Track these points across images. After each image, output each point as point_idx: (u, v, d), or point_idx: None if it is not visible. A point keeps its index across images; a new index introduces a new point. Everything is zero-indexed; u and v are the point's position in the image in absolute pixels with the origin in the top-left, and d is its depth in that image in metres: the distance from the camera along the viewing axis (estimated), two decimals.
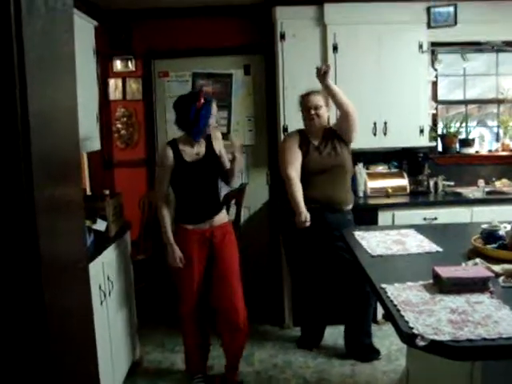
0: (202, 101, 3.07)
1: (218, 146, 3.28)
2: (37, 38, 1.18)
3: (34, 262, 1.15)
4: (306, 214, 3.45)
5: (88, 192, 4.26)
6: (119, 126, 4.91)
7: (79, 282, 1.48)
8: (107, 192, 3.44)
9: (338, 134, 3.64)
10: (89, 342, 1.53)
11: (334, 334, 4.04)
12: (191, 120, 3.08)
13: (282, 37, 4.27)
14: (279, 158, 3.75)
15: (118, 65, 4.85)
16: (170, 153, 3.16)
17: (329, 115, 3.75)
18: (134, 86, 4.87)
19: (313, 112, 3.59)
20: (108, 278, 3.05)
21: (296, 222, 3.48)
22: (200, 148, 3.22)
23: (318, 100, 3.61)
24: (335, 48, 4.25)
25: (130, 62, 4.84)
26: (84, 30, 3.25)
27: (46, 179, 1.22)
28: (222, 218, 3.32)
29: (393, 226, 3.58)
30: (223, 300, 3.29)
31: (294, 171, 3.56)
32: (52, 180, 1.28)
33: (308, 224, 3.46)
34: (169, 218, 3.25)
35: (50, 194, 1.26)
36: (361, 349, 3.73)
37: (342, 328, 3.92)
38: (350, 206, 3.71)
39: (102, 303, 2.91)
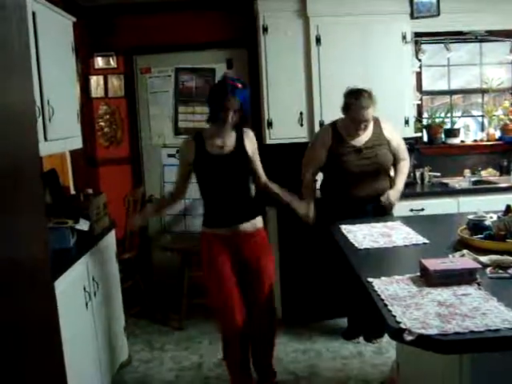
0: (228, 82, 2.90)
1: (250, 146, 3.01)
2: None
3: None
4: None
5: (72, 191, 4.20)
6: (102, 123, 4.85)
7: (40, 293, 1.38)
8: (90, 191, 3.40)
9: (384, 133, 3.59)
10: (55, 358, 1.44)
11: (326, 328, 4.04)
12: (207, 101, 3.00)
13: (265, 30, 4.22)
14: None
15: (100, 62, 4.78)
16: (187, 146, 3.01)
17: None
18: (116, 82, 4.81)
19: (362, 126, 3.46)
20: (93, 279, 3.00)
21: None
22: (226, 142, 2.95)
23: (370, 114, 3.41)
24: (318, 40, 4.21)
25: (111, 59, 4.77)
26: (61, 26, 3.15)
27: None
28: (250, 225, 3.01)
29: (379, 218, 3.56)
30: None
31: (309, 173, 3.66)
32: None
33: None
34: (160, 205, 3.42)
35: None
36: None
37: (333, 322, 3.91)
38: None
39: (87, 305, 2.86)
